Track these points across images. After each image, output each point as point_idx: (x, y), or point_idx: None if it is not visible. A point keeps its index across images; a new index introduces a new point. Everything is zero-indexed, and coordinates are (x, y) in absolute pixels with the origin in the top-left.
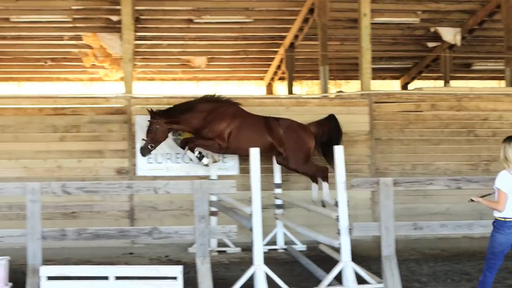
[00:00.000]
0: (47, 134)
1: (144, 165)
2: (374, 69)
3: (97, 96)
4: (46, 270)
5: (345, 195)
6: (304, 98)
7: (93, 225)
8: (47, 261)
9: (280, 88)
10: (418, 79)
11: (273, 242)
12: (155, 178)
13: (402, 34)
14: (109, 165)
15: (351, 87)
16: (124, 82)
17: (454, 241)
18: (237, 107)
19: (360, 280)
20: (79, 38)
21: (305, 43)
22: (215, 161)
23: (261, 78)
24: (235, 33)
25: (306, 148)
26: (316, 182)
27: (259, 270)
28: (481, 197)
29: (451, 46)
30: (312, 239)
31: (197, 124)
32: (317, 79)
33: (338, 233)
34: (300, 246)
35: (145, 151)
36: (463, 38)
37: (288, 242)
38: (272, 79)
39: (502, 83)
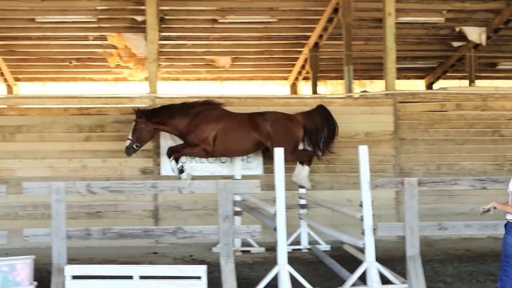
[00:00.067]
0: (72, 134)
1: (168, 165)
2: (398, 69)
3: (122, 96)
4: (71, 269)
5: (370, 195)
6: (329, 98)
7: (118, 225)
8: (71, 260)
9: (305, 88)
10: (443, 78)
11: (297, 242)
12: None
13: (427, 34)
14: (133, 164)
15: (376, 87)
16: (148, 82)
17: (479, 242)
18: (220, 109)
19: (385, 280)
20: (104, 38)
21: (329, 43)
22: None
23: (285, 78)
24: (259, 33)
25: (294, 138)
26: (302, 164)
27: (283, 270)
28: (483, 212)
29: (476, 46)
30: (336, 239)
31: (182, 129)
32: (342, 79)
33: (363, 233)
34: (324, 246)
35: (130, 151)
36: (488, 37)
37: (312, 242)
38: (297, 79)
39: None
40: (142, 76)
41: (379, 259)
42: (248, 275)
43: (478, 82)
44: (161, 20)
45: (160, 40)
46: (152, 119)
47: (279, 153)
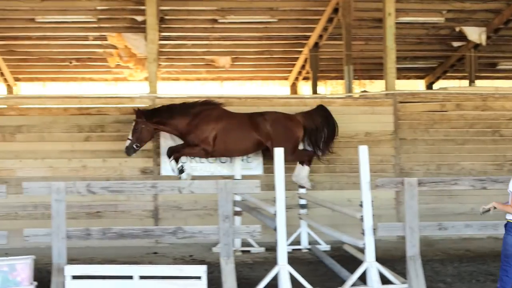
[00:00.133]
0: (72, 134)
1: (168, 165)
2: (398, 69)
3: (122, 96)
4: (71, 269)
5: (370, 195)
6: (329, 98)
7: (118, 225)
8: (71, 260)
9: (305, 88)
10: (443, 78)
11: (297, 242)
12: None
13: (427, 34)
14: (133, 164)
15: (376, 87)
16: (148, 82)
17: (479, 242)
18: (220, 109)
19: (385, 280)
20: (104, 38)
21: (329, 43)
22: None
23: (286, 78)
24: (259, 33)
25: (294, 138)
26: (302, 164)
27: (283, 270)
28: (483, 212)
29: (476, 46)
30: (336, 239)
31: (182, 129)
32: (342, 79)
33: (363, 233)
34: (324, 246)
35: (130, 151)
36: (488, 37)
37: (312, 242)
38: (297, 79)
39: None
40: (142, 76)
41: (379, 259)
42: (248, 275)
43: (478, 82)
44: (161, 20)
45: (160, 40)
46: (152, 119)
47: (279, 153)
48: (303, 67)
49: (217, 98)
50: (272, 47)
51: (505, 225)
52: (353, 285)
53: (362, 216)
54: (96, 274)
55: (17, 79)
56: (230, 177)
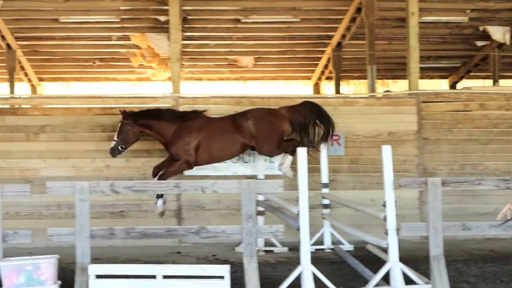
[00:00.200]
0: (95, 133)
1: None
2: (422, 69)
3: (145, 96)
4: (95, 269)
5: (393, 195)
6: (352, 98)
7: (141, 224)
8: (95, 260)
9: (327, 87)
10: (467, 78)
11: (320, 242)
12: (202, 177)
13: (451, 33)
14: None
15: (399, 86)
16: (171, 82)
17: (503, 242)
18: (203, 117)
19: (408, 280)
20: (127, 38)
21: (352, 43)
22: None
23: (308, 78)
24: (282, 33)
25: (279, 132)
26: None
27: (306, 269)
28: (501, 224)
29: (500, 45)
30: (359, 239)
31: (167, 137)
32: (365, 78)
33: (386, 233)
34: (347, 246)
35: (115, 152)
36: None
37: (335, 242)
38: (319, 78)
39: None
40: (165, 76)
41: (403, 259)
42: (271, 275)
43: (502, 82)
44: (184, 20)
45: (183, 40)
46: (138, 122)
47: (302, 153)
48: (326, 66)
49: (240, 97)
50: (295, 47)
51: None
52: (377, 285)
53: (385, 216)
54: (120, 274)
55: (41, 79)
56: (253, 177)
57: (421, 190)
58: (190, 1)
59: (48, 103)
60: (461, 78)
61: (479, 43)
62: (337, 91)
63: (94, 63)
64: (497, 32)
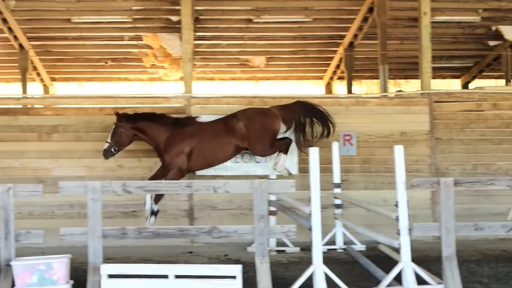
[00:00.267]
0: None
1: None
2: (434, 68)
3: (157, 96)
4: (107, 268)
5: (405, 195)
6: (364, 98)
7: (153, 224)
8: (107, 259)
9: (339, 87)
10: (479, 78)
11: (332, 242)
12: (214, 177)
13: (463, 33)
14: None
15: (411, 86)
16: (183, 82)
17: None
18: (195, 124)
19: (420, 280)
20: (139, 38)
21: (364, 42)
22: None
23: (320, 78)
24: (294, 33)
25: (271, 131)
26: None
27: (318, 269)
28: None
29: None
30: (371, 239)
31: (160, 143)
32: (377, 78)
33: (398, 233)
34: (359, 246)
35: (107, 154)
36: None
37: (347, 242)
38: (331, 78)
39: None
40: (177, 76)
41: (415, 259)
42: (283, 274)
43: None
44: (196, 20)
45: (195, 40)
46: (132, 124)
47: (314, 153)
48: (338, 66)
49: (252, 97)
50: (307, 46)
51: None
52: (389, 285)
53: (397, 216)
54: (132, 273)
55: (53, 79)
56: (265, 177)
57: (434, 190)
58: (202, 1)
59: (60, 103)
60: (474, 78)
61: (492, 43)
62: (349, 91)
63: (106, 63)
64: (510, 32)
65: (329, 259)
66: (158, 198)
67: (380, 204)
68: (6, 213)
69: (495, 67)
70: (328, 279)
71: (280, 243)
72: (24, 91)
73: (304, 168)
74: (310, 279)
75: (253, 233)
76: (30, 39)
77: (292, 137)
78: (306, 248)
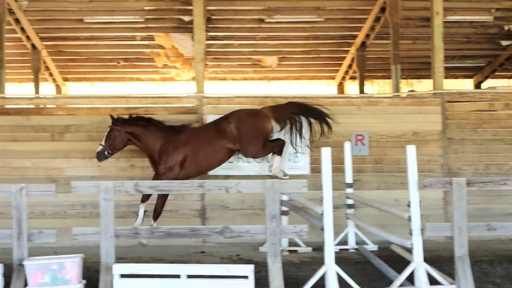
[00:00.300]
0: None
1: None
2: (446, 68)
3: (169, 95)
4: (119, 268)
5: (417, 195)
6: (376, 98)
7: (165, 224)
8: (119, 259)
9: (352, 87)
10: (492, 78)
11: (344, 242)
12: (226, 177)
13: (475, 33)
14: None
15: (423, 86)
16: (195, 82)
17: None
18: (188, 131)
19: (433, 280)
20: (151, 38)
21: (376, 42)
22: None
23: (332, 78)
24: (306, 33)
25: (263, 133)
26: (273, 154)
27: (330, 269)
28: None
29: None
30: (383, 239)
31: (155, 151)
32: (389, 78)
33: (410, 233)
34: (371, 246)
35: (101, 157)
36: None
37: (360, 242)
38: (343, 78)
39: None
40: (189, 76)
41: (427, 259)
42: (295, 274)
43: None
44: (208, 20)
45: (207, 40)
46: (127, 129)
47: (326, 153)
48: (350, 66)
49: (264, 97)
50: (319, 46)
51: None
52: (401, 285)
53: (409, 216)
54: (144, 273)
55: (65, 79)
56: (277, 177)
57: (446, 190)
58: (214, 1)
59: (72, 103)
60: (486, 77)
61: (504, 43)
62: (361, 91)
63: (118, 63)
64: None
65: (341, 259)
66: (145, 198)
67: (392, 204)
68: (19, 213)
69: (507, 66)
70: (340, 279)
71: (292, 243)
72: (37, 91)
73: (316, 168)
74: (322, 279)
75: (265, 233)
76: (42, 39)
77: (287, 137)
78: (318, 248)
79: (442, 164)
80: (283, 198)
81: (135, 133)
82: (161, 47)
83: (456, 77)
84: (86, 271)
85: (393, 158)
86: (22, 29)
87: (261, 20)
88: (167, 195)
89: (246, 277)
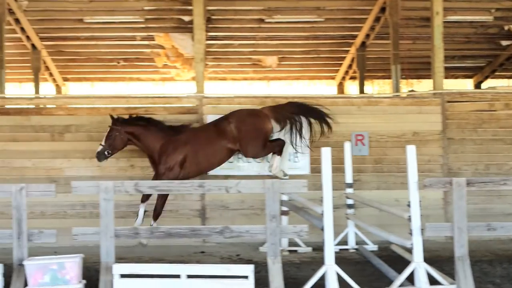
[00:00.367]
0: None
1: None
2: (446, 68)
3: (169, 95)
4: (119, 268)
5: (417, 195)
6: (376, 98)
7: (165, 224)
8: (119, 259)
9: (352, 87)
10: (492, 78)
11: (344, 242)
12: (226, 177)
13: (475, 33)
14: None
15: (423, 86)
16: (195, 82)
17: None
18: (188, 131)
19: (433, 280)
20: (151, 38)
21: (376, 42)
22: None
23: (332, 78)
24: (306, 33)
25: (263, 133)
26: (273, 154)
27: (330, 269)
28: None
29: None
30: (383, 239)
31: (153, 150)
32: (389, 78)
33: (410, 233)
34: (371, 246)
35: (101, 157)
36: None
37: (360, 242)
38: (343, 78)
39: None
40: (189, 76)
41: (427, 259)
42: (295, 274)
43: None
44: (208, 20)
45: (207, 40)
46: (127, 129)
47: (326, 153)
48: (350, 66)
49: (264, 97)
50: (319, 46)
51: None
52: (401, 285)
53: (409, 216)
54: (144, 273)
55: (65, 79)
56: (277, 177)
57: (446, 190)
58: (214, 1)
59: (72, 103)
60: (486, 77)
61: (504, 43)
62: (361, 91)
63: (118, 63)
64: None
65: (341, 259)
66: (145, 198)
67: (392, 204)
68: (19, 213)
69: (507, 66)
70: (340, 279)
71: (292, 243)
72: (37, 91)
73: (316, 168)
74: (322, 279)
75: (265, 233)
76: (42, 39)
77: (287, 137)
78: (318, 248)
79: (442, 164)
80: (283, 198)
81: (135, 133)
82: (161, 47)
83: (456, 77)
84: (86, 271)
85: (393, 158)
86: (22, 29)
87: (261, 20)
88: (167, 195)
89: (246, 277)
